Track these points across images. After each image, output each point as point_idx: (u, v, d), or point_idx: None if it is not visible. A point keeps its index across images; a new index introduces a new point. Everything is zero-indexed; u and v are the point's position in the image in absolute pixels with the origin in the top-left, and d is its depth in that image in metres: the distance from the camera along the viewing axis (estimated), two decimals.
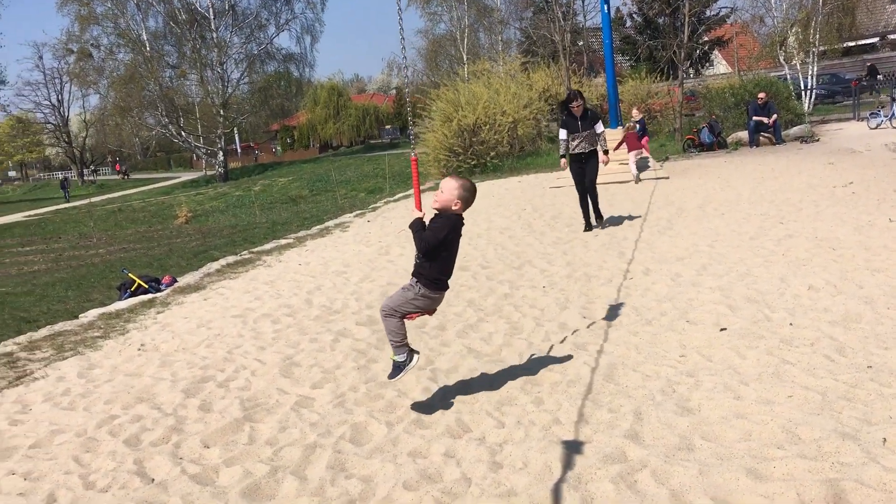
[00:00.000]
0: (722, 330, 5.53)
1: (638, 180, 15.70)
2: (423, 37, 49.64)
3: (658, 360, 5.09)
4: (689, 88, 30.47)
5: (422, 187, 20.90)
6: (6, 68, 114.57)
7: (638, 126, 18.53)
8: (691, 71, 40.51)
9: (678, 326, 5.76)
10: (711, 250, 8.28)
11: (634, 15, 46.52)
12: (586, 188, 10.45)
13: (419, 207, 4.42)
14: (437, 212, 4.33)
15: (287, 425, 4.57)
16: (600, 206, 10.73)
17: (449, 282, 4.40)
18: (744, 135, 21.50)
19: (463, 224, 4.33)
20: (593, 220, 10.60)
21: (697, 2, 35.12)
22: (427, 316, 4.60)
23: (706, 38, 42.53)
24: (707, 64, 46.49)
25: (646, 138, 18.53)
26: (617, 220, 11.00)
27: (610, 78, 18.06)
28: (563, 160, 10.65)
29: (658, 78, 30.51)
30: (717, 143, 21.52)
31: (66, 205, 44.45)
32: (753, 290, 6.46)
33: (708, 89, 29.10)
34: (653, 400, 4.39)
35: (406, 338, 4.40)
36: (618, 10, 47.05)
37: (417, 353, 4.49)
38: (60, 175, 67.26)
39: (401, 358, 4.38)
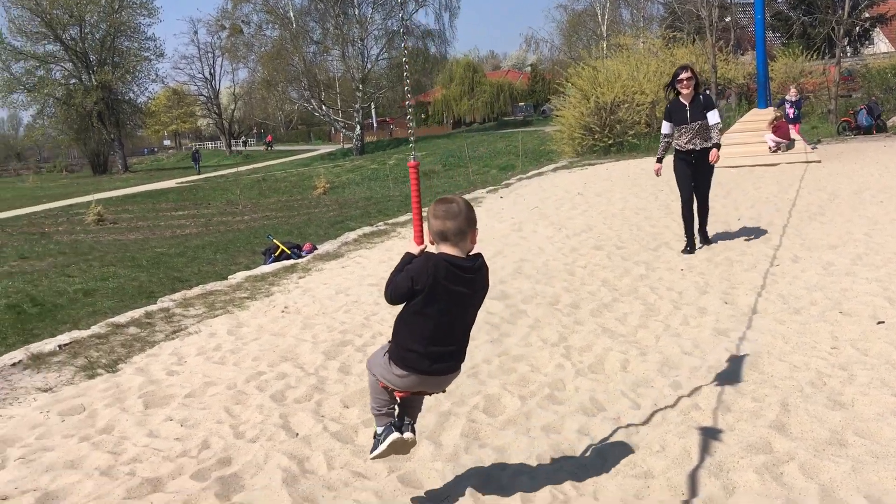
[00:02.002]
0: (879, 323, 5.18)
1: (774, 150, 15.06)
2: (562, 11, 48.97)
3: (807, 350, 4.84)
4: (846, 68, 28.57)
5: (550, 167, 20.75)
6: (164, 42, 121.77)
7: (794, 107, 17.59)
8: (849, 49, 37.86)
9: (830, 317, 5.45)
10: (868, 239, 7.77)
11: None
12: (698, 199, 8.25)
13: (419, 239, 3.13)
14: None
15: None
16: (709, 226, 8.50)
17: (435, 366, 3.00)
18: None
19: (466, 274, 2.91)
20: (697, 239, 8.35)
21: None
22: (427, 394, 3.33)
23: (867, 15, 39.61)
24: (867, 42, 43.32)
25: (797, 125, 17.58)
26: (763, 205, 10.49)
27: (760, 55, 17.17)
28: (657, 165, 8.34)
29: (812, 56, 28.73)
30: (876, 127, 20.15)
31: (196, 177, 43.68)
32: None
33: (867, 69, 27.21)
34: (801, 392, 4.18)
35: (388, 407, 3.20)
36: None
37: (400, 433, 3.16)
38: (192, 147, 67.17)
39: (379, 429, 3.21)
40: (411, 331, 2.96)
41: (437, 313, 2.91)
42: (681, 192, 8.30)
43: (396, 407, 3.23)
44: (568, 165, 20.42)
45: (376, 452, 3.19)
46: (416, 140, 3.47)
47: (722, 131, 8.10)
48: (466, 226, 2.91)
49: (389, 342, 3.07)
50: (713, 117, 7.89)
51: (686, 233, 8.25)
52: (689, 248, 8.11)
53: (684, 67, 8.09)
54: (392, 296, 2.94)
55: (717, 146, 7.95)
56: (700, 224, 8.36)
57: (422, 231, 3.09)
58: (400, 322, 3.01)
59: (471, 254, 2.97)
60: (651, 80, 23.58)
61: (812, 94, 27.24)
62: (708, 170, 8.10)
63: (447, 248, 2.91)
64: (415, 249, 3.04)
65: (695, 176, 8.14)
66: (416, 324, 2.94)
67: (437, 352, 2.97)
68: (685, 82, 7.88)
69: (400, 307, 3.00)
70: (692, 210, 8.24)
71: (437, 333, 2.94)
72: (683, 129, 7.97)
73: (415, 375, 2.99)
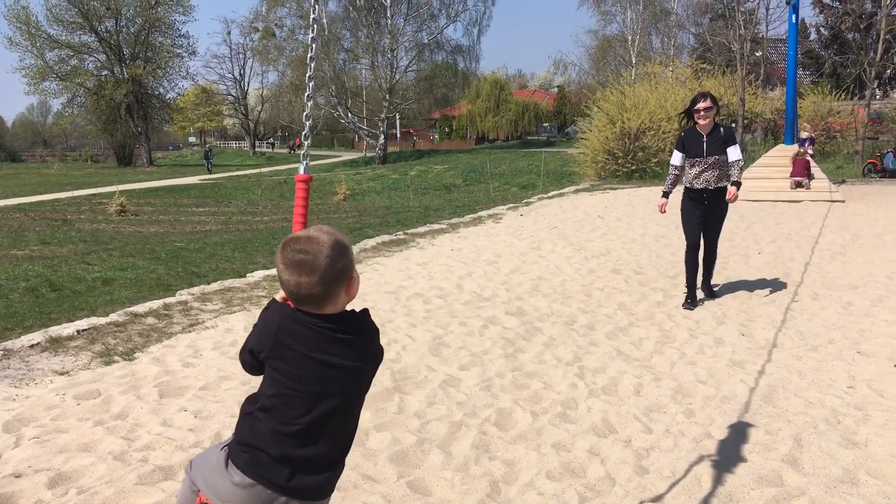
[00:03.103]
0: None
1: (796, 185, 15.13)
2: (592, 36, 49.25)
3: (823, 388, 4.82)
4: (875, 110, 28.46)
5: (571, 189, 20.77)
6: (197, 40, 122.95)
7: (808, 145, 17.59)
8: (878, 91, 37.72)
9: (847, 356, 5.42)
10: (889, 282, 7.73)
11: (822, 28, 43.90)
12: (705, 245, 7.26)
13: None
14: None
15: (434, 401, 4.68)
16: (713, 275, 7.51)
17: (295, 481, 1.97)
18: None
19: (338, 335, 2.00)
20: (699, 290, 7.34)
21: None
22: None
23: None
24: None
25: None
26: (784, 240, 10.45)
27: (790, 91, 17.16)
28: (662, 200, 7.33)
29: (842, 96, 28.66)
30: None
31: (208, 176, 42.34)
32: None
33: None
34: (815, 428, 4.16)
35: None
36: (803, 21, 44.55)
37: None
38: (205, 145, 63.85)
39: None
40: (262, 421, 1.97)
41: (299, 399, 1.95)
42: (687, 236, 7.26)
43: None
44: (589, 188, 20.43)
45: None
46: (308, 149, 2.85)
47: (743, 169, 7.26)
48: (331, 287, 1.95)
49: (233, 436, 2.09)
50: (734, 153, 6.87)
51: (688, 283, 7.22)
52: (690, 302, 7.10)
53: (704, 95, 6.98)
54: (242, 359, 2.10)
55: (737, 184, 6.86)
56: (704, 275, 7.38)
57: None
58: (246, 407, 2.05)
59: (347, 309, 2.04)
60: (678, 108, 23.61)
61: (839, 134, 27.14)
62: (721, 211, 7.11)
63: (306, 308, 2.00)
64: (281, 296, 2.14)
65: (706, 218, 7.13)
66: (268, 412, 1.97)
67: (300, 457, 1.96)
68: (703, 112, 6.85)
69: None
70: (696, 255, 7.23)
71: (301, 431, 1.96)
72: (697, 163, 6.96)
73: (262, 488, 1.94)
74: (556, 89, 75.80)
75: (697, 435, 4.14)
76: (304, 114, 2.80)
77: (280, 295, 2.13)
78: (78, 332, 6.18)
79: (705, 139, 6.95)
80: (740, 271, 8.59)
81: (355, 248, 10.94)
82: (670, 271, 8.68)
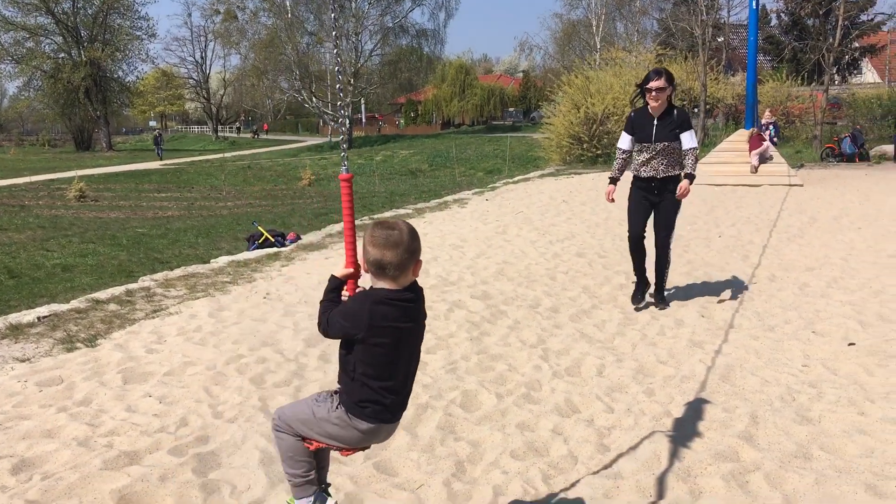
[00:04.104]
0: (850, 345, 5.31)
1: (755, 170, 15.39)
2: (557, 20, 49.42)
3: (779, 367, 4.96)
4: (833, 95, 28.99)
5: (537, 174, 20.89)
6: (157, 23, 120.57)
7: (771, 129, 17.87)
8: (837, 77, 38.39)
9: (803, 336, 5.57)
10: (844, 264, 7.92)
11: (782, 14, 44.52)
12: (656, 244, 6.52)
13: (351, 263, 2.76)
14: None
15: None
16: (667, 280, 6.70)
17: (398, 415, 2.72)
18: (889, 148, 20.34)
19: (410, 304, 2.58)
20: (651, 290, 6.68)
21: (854, 5, 33.36)
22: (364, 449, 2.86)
23: (857, 45, 40.23)
24: (855, 71, 43.99)
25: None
26: (744, 224, 10.65)
27: (751, 76, 17.37)
28: (609, 187, 6.44)
29: (801, 81, 29.13)
30: (859, 155, 20.46)
31: (169, 161, 41.39)
32: (888, 309, 6.15)
33: (854, 98, 27.67)
34: (770, 405, 4.29)
35: (311, 471, 2.77)
36: (763, 7, 45.16)
37: (330, 496, 2.83)
38: (155, 131, 60.79)
39: (306, 499, 2.77)
40: (371, 384, 2.58)
41: (394, 361, 2.59)
42: (630, 226, 6.55)
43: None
44: (554, 173, 20.56)
45: None
46: (348, 146, 3.12)
47: (699, 158, 6.38)
48: (408, 259, 2.52)
49: (332, 393, 2.71)
50: (688, 140, 6.15)
51: (635, 270, 6.66)
52: (640, 295, 6.56)
53: (658, 73, 6.16)
54: (329, 333, 2.65)
55: (690, 177, 6.17)
56: (657, 279, 6.63)
57: (354, 254, 2.76)
58: (351, 373, 2.61)
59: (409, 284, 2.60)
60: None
61: (798, 119, 27.61)
62: (671, 206, 6.38)
63: (385, 283, 2.54)
64: (341, 273, 2.74)
65: (655, 213, 6.47)
66: (375, 376, 2.58)
67: (398, 401, 2.68)
68: (655, 93, 6.09)
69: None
70: (643, 247, 6.55)
71: (397, 383, 2.64)
72: (644, 149, 6.27)
73: (375, 425, 2.65)
74: (521, 74, 75.94)
75: (657, 413, 4.24)
76: (340, 115, 2.93)
77: (340, 271, 2.74)
78: (38, 318, 6.11)
79: (656, 122, 6.22)
80: (701, 254, 8.74)
81: (321, 234, 10.91)
82: None
